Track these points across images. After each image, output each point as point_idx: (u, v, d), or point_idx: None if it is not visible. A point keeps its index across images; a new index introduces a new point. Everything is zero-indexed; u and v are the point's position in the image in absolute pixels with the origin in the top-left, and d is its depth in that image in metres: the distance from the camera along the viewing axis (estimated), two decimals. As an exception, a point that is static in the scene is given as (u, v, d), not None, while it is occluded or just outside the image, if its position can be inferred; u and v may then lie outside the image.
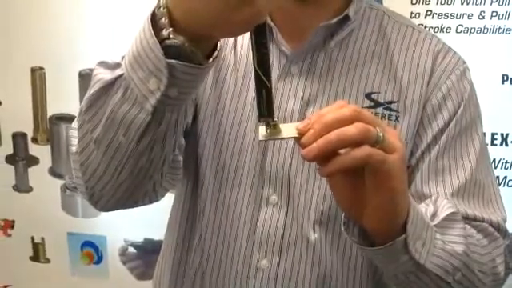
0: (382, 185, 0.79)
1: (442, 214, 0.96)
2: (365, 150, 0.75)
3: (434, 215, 0.96)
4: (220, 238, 1.10)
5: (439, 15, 1.90)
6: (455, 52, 1.10)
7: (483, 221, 1.05)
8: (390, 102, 1.04)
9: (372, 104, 1.04)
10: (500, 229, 1.06)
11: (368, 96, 1.04)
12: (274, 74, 1.05)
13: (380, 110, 1.04)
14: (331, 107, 0.78)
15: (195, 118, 1.10)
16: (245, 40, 1.09)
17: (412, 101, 1.04)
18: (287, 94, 1.05)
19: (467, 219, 1.05)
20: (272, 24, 1.04)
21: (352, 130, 0.75)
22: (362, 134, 0.75)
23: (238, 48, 1.09)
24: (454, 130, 1.05)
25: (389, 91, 1.05)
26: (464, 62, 1.09)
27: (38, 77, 2.21)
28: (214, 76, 1.09)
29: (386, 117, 1.04)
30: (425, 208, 0.98)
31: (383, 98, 1.04)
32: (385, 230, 0.85)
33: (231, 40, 1.10)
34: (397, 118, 1.04)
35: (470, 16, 1.88)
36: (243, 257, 1.07)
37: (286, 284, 1.06)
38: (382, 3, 1.78)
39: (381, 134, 0.77)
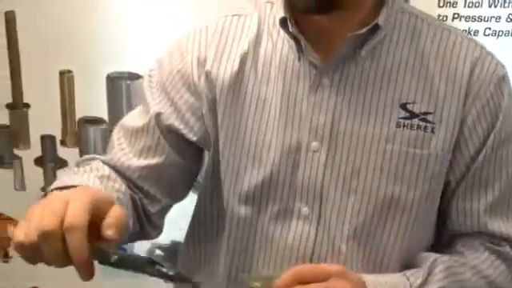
0: None
1: None
2: None
3: (421, 286, 0.99)
4: (249, 251, 1.10)
5: (466, 18, 1.88)
6: (493, 56, 1.07)
7: None
8: (426, 113, 1.02)
9: (407, 115, 1.02)
10: None
11: (403, 106, 1.02)
12: (305, 87, 1.04)
13: (416, 121, 1.02)
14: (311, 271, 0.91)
15: (214, 143, 1.11)
16: (267, 56, 1.07)
17: (449, 112, 1.02)
18: (319, 107, 1.03)
19: (497, 238, 1.07)
20: (300, 35, 1.02)
21: None
22: None
23: (260, 64, 1.07)
24: (493, 143, 1.04)
25: (424, 102, 1.02)
26: (503, 67, 1.06)
27: (66, 80, 2.23)
28: (233, 99, 1.07)
29: (422, 128, 1.02)
30: (413, 277, 1.00)
31: (419, 108, 1.02)
32: None
33: (250, 57, 1.08)
34: (432, 129, 1.02)
35: (497, 19, 1.87)
36: (272, 270, 1.06)
37: None
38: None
39: None
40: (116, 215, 0.80)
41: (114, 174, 1.08)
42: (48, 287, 2.56)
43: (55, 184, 0.99)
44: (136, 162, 1.10)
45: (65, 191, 0.85)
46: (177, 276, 0.85)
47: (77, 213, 0.77)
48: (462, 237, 1.10)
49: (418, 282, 0.99)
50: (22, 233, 0.80)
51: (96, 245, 0.81)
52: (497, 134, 1.04)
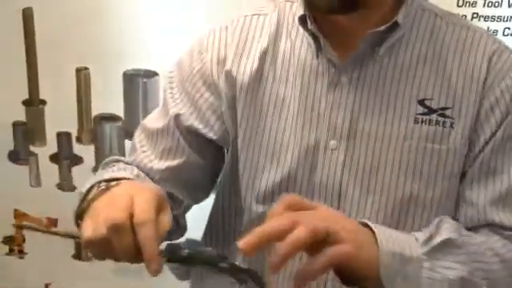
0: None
1: (435, 241, 0.94)
2: (325, 257, 0.80)
3: (428, 239, 0.94)
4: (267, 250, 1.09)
5: (486, 18, 1.87)
6: (511, 51, 1.06)
7: None
8: (444, 109, 1.02)
9: (426, 111, 1.01)
10: None
11: (421, 102, 1.02)
12: (323, 85, 1.04)
13: (434, 116, 1.02)
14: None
15: (233, 142, 1.11)
16: (285, 55, 1.08)
17: (467, 107, 1.02)
18: (337, 105, 1.03)
19: (504, 229, 1.05)
20: (319, 33, 1.02)
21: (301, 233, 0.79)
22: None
23: (279, 62, 1.08)
24: (503, 134, 1.03)
25: (442, 97, 1.02)
26: None
27: (82, 77, 2.23)
28: (252, 97, 1.08)
29: (441, 124, 1.01)
30: (420, 234, 0.96)
31: (437, 104, 1.02)
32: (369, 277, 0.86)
33: (269, 56, 1.08)
34: (451, 124, 1.02)
35: (517, 19, 1.85)
36: (290, 270, 1.04)
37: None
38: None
39: (330, 228, 0.81)
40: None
41: (143, 174, 1.10)
42: (62, 285, 2.57)
43: (98, 178, 1.01)
44: (157, 164, 1.11)
45: (126, 185, 0.90)
46: (248, 270, 0.86)
47: (145, 208, 0.81)
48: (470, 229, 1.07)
49: (425, 236, 0.94)
50: (89, 229, 0.83)
51: (167, 242, 0.83)
52: (508, 126, 1.03)
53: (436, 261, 0.92)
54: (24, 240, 2.55)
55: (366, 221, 0.91)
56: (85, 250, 0.82)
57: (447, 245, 0.94)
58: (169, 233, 0.90)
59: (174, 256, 0.83)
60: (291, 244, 0.78)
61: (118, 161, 1.14)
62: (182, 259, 0.84)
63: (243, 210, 1.11)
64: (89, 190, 1.00)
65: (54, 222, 2.46)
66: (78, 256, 2.47)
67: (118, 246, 0.81)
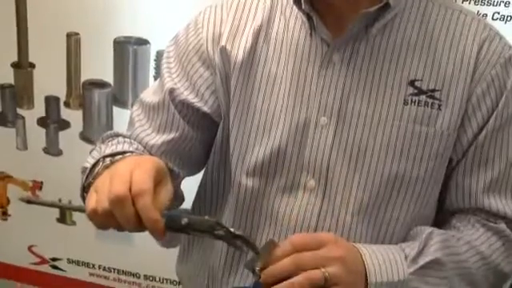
0: None
1: (423, 260, 1.01)
2: None
3: (417, 257, 1.01)
4: (254, 223, 1.12)
5: (476, 1, 1.88)
6: (501, 37, 1.07)
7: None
8: (433, 91, 1.03)
9: (415, 91, 1.03)
10: None
11: (411, 83, 1.03)
12: (316, 63, 1.05)
13: (423, 97, 1.03)
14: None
15: (224, 117, 1.14)
16: (279, 33, 1.09)
17: (456, 91, 1.03)
18: (328, 83, 1.04)
19: (493, 216, 1.09)
20: (313, 12, 1.03)
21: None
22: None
23: (272, 41, 1.09)
24: (495, 122, 1.05)
25: (432, 79, 1.03)
26: (510, 48, 1.07)
27: (73, 42, 2.22)
28: (245, 75, 1.09)
29: (429, 105, 1.03)
30: (409, 248, 1.02)
31: (426, 85, 1.03)
32: None
33: (262, 34, 1.10)
34: (439, 106, 1.03)
35: (506, 4, 1.86)
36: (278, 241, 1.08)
37: None
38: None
39: (327, 274, 0.90)
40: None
41: (141, 147, 1.13)
42: (45, 248, 2.59)
43: (103, 153, 1.07)
44: (154, 137, 1.14)
45: (127, 160, 0.95)
46: (243, 236, 0.89)
47: (142, 178, 0.86)
48: (458, 214, 1.12)
49: (413, 253, 1.01)
50: (93, 201, 0.88)
51: (165, 212, 0.87)
52: (499, 114, 1.05)
53: (422, 277, 1.00)
54: (8, 202, 2.56)
55: (360, 248, 0.99)
56: (89, 219, 0.86)
57: (435, 263, 1.01)
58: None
59: (174, 224, 0.87)
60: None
61: (117, 135, 1.16)
62: (181, 228, 0.88)
63: (232, 183, 1.13)
64: (94, 166, 1.04)
65: (39, 186, 2.47)
66: (62, 219, 2.49)
67: (120, 217, 0.86)
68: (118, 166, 0.92)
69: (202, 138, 1.17)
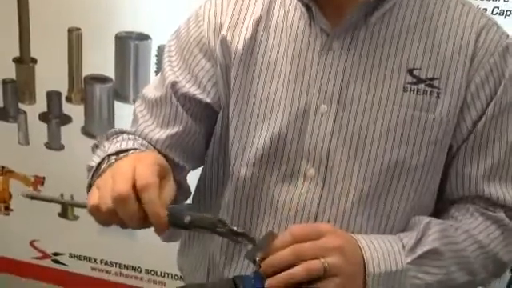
0: None
1: (421, 249, 1.02)
2: None
3: (414, 246, 1.02)
4: (254, 212, 1.12)
5: (476, -4, 1.89)
6: (498, 27, 1.07)
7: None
8: (432, 79, 1.03)
9: (414, 80, 1.03)
10: None
11: (410, 72, 1.03)
12: (315, 51, 1.06)
13: (422, 86, 1.03)
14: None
15: (224, 107, 1.14)
16: (278, 23, 1.09)
17: (454, 79, 1.03)
18: (328, 70, 1.04)
19: (493, 204, 1.09)
20: (312, 2, 1.03)
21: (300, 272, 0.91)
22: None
23: (272, 30, 1.10)
24: (493, 109, 1.06)
25: (431, 67, 1.03)
26: (507, 37, 1.07)
27: (74, 37, 2.23)
28: (245, 64, 1.10)
29: (428, 93, 1.03)
30: (407, 238, 1.03)
31: (425, 74, 1.03)
32: None
33: (262, 24, 1.10)
34: (438, 94, 1.03)
35: (506, -1, 1.87)
36: (277, 231, 1.07)
37: None
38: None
39: (326, 265, 0.91)
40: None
41: (146, 143, 1.14)
42: (47, 242, 2.60)
43: (108, 151, 1.07)
44: (159, 132, 1.14)
45: (128, 157, 0.97)
46: (245, 233, 0.91)
47: (146, 173, 0.87)
48: (457, 203, 1.13)
49: (411, 242, 1.01)
50: (95, 197, 0.89)
51: (169, 207, 0.88)
52: (498, 101, 1.06)
53: (420, 267, 1.01)
54: (10, 197, 2.57)
55: (359, 238, 1.00)
56: (92, 215, 0.87)
57: (432, 253, 1.02)
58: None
59: (177, 222, 0.88)
60: (283, 281, 0.91)
61: (121, 132, 1.17)
62: (184, 225, 0.89)
63: (232, 172, 1.14)
64: (99, 164, 1.05)
65: (41, 181, 2.48)
66: (63, 214, 2.50)
67: (124, 214, 0.87)
68: (120, 164, 0.93)
69: (205, 130, 1.17)
